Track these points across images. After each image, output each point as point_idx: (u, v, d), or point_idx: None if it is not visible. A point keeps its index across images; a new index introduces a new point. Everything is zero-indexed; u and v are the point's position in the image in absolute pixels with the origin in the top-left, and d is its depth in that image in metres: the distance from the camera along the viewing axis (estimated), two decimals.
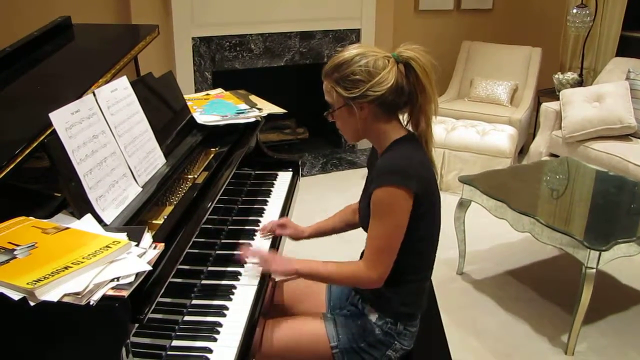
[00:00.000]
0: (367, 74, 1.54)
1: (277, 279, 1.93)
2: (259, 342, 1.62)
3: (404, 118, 1.66)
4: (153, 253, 1.26)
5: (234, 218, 2.06)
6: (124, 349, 1.13)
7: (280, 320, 1.75)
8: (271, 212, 2.14)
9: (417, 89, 1.58)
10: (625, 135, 4.00)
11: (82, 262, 1.18)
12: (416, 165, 1.56)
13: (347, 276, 1.62)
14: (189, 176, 1.89)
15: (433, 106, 1.62)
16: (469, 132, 4.32)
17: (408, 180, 1.51)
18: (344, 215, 1.97)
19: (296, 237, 1.99)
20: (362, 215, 1.69)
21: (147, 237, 1.32)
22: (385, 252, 1.56)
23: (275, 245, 1.91)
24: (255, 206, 2.17)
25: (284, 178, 2.40)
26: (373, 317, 1.69)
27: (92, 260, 1.19)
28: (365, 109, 1.58)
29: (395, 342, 1.69)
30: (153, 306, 1.21)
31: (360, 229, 1.75)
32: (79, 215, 1.38)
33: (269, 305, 1.81)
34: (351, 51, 1.57)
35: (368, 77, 1.54)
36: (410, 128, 1.66)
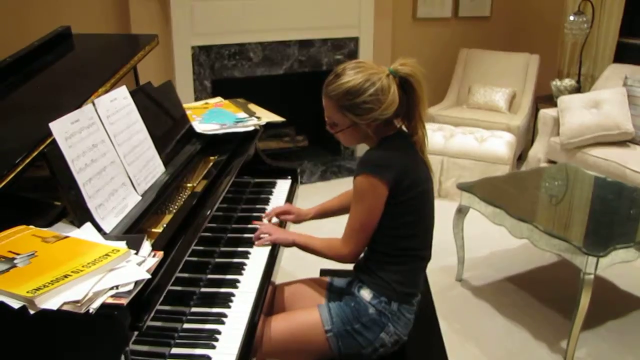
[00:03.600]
0: (377, 101, 1.65)
1: (277, 282, 1.96)
2: (259, 340, 1.64)
3: (399, 122, 1.79)
4: (152, 261, 1.27)
5: (232, 226, 2.07)
6: (123, 357, 1.14)
7: (277, 315, 1.80)
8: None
9: (415, 100, 1.71)
10: (623, 142, 4.02)
11: (81, 271, 1.18)
12: (393, 158, 1.69)
13: (328, 249, 1.79)
14: (188, 184, 1.90)
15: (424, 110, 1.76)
16: (468, 139, 4.33)
17: (381, 170, 1.66)
18: (344, 198, 2.09)
19: (300, 221, 2.11)
20: None
21: (147, 246, 1.33)
22: (357, 233, 1.72)
23: (274, 252, 1.92)
24: (254, 214, 2.17)
25: (282, 186, 2.41)
26: (367, 296, 1.74)
27: (91, 268, 1.19)
28: (371, 126, 1.71)
29: (389, 324, 1.73)
30: (152, 314, 1.21)
31: None
32: (78, 224, 1.39)
33: (269, 308, 1.82)
34: (355, 76, 1.66)
35: (378, 103, 1.65)
36: (403, 128, 1.80)
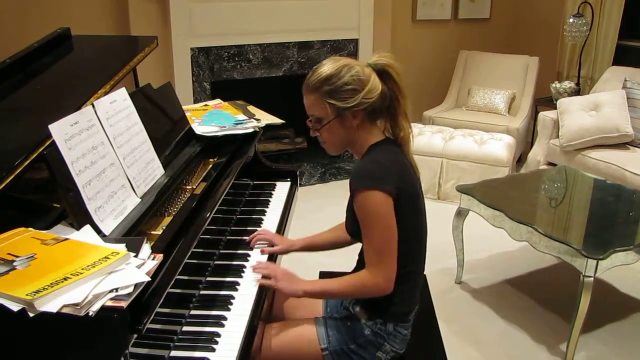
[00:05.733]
0: (359, 82, 1.61)
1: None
2: (258, 348, 1.63)
3: (384, 123, 1.73)
4: (152, 264, 1.27)
5: (232, 228, 2.06)
6: (122, 359, 1.14)
7: (276, 325, 1.77)
8: (269, 222, 2.14)
9: (396, 92, 1.67)
10: (622, 144, 4.02)
11: (81, 273, 1.18)
12: (387, 167, 1.61)
13: (357, 287, 1.64)
14: (188, 187, 1.90)
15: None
16: (467, 141, 4.33)
17: (382, 182, 1.58)
18: (338, 232, 1.96)
19: (286, 252, 1.99)
20: (347, 220, 1.77)
21: (146, 248, 1.32)
22: (385, 254, 1.59)
23: (273, 255, 1.92)
24: (253, 216, 2.17)
25: (282, 188, 2.41)
26: (363, 318, 1.71)
27: (91, 271, 1.19)
28: (357, 117, 1.64)
29: (385, 344, 1.71)
30: (152, 316, 1.21)
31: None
32: (78, 226, 1.39)
33: (268, 312, 1.81)
34: (333, 64, 1.64)
35: (361, 85, 1.61)
36: (390, 134, 1.74)
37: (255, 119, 2.37)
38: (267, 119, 2.41)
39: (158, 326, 1.40)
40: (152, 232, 1.60)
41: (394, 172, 1.61)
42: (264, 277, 1.74)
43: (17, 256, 1.25)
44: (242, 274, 1.79)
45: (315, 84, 1.64)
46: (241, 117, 2.37)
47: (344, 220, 1.95)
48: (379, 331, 1.70)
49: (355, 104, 1.61)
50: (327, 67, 1.64)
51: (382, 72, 1.65)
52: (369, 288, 1.62)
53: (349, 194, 1.67)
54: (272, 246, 1.96)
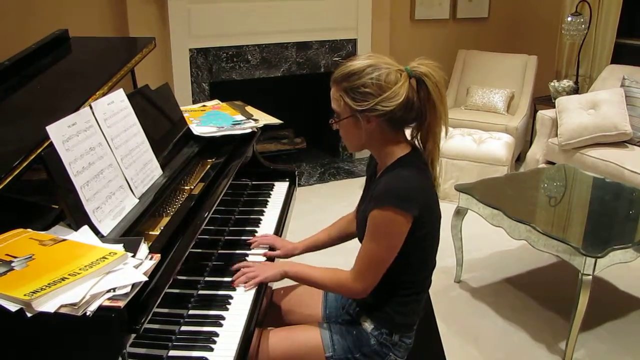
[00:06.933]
0: (377, 87, 1.51)
1: (274, 286, 1.94)
2: (255, 351, 1.63)
3: (411, 133, 1.65)
4: (149, 264, 1.27)
5: (230, 228, 2.07)
6: (120, 359, 1.14)
7: (276, 329, 1.76)
8: (268, 222, 2.15)
9: (427, 106, 1.56)
10: (621, 142, 4.03)
11: (78, 273, 1.19)
12: (418, 189, 1.55)
13: (334, 283, 1.66)
14: (186, 187, 1.90)
15: (442, 124, 1.60)
16: (466, 140, 4.33)
17: (408, 204, 1.51)
18: (340, 226, 1.97)
19: (288, 256, 1.97)
20: (359, 228, 1.70)
21: (144, 248, 1.33)
22: (374, 269, 1.59)
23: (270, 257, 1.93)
24: (252, 216, 2.17)
25: (280, 188, 2.42)
26: (369, 327, 1.70)
27: (88, 271, 1.20)
28: (372, 122, 1.55)
29: (390, 354, 1.70)
30: (149, 316, 1.21)
31: (356, 240, 1.76)
32: (76, 227, 1.39)
33: (266, 312, 1.81)
34: (363, 61, 1.54)
35: (378, 91, 1.51)
36: (415, 142, 1.65)
37: (253, 119, 2.37)
38: (265, 119, 2.41)
39: (156, 326, 1.41)
40: (150, 233, 1.60)
41: (423, 193, 1.56)
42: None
43: (15, 257, 1.25)
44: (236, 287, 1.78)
45: (338, 78, 1.56)
46: (239, 117, 2.38)
47: (343, 215, 1.98)
48: (384, 341, 1.69)
49: (367, 109, 1.52)
50: (355, 62, 1.55)
51: (418, 81, 1.54)
52: (345, 289, 1.64)
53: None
54: (273, 250, 1.95)
